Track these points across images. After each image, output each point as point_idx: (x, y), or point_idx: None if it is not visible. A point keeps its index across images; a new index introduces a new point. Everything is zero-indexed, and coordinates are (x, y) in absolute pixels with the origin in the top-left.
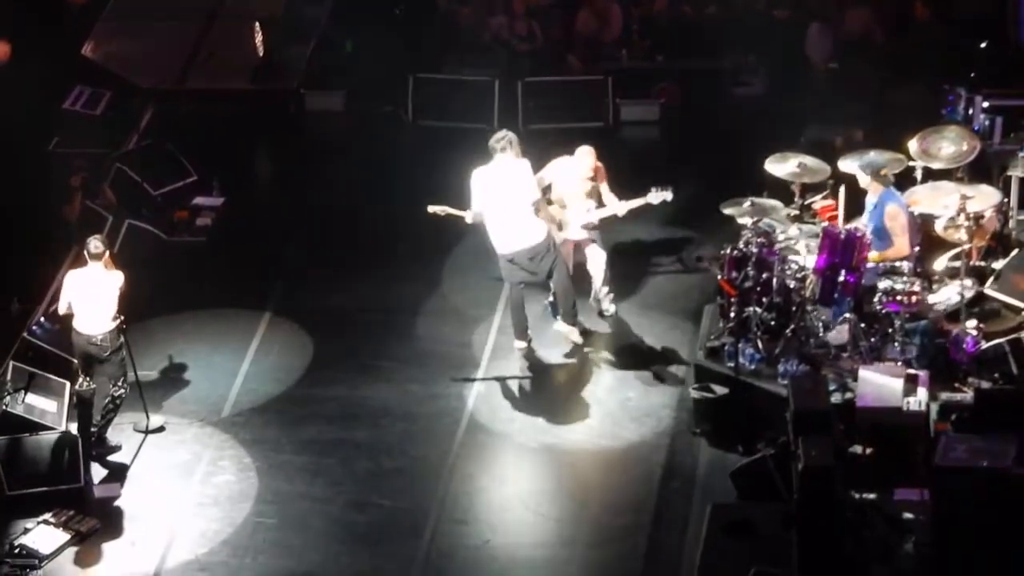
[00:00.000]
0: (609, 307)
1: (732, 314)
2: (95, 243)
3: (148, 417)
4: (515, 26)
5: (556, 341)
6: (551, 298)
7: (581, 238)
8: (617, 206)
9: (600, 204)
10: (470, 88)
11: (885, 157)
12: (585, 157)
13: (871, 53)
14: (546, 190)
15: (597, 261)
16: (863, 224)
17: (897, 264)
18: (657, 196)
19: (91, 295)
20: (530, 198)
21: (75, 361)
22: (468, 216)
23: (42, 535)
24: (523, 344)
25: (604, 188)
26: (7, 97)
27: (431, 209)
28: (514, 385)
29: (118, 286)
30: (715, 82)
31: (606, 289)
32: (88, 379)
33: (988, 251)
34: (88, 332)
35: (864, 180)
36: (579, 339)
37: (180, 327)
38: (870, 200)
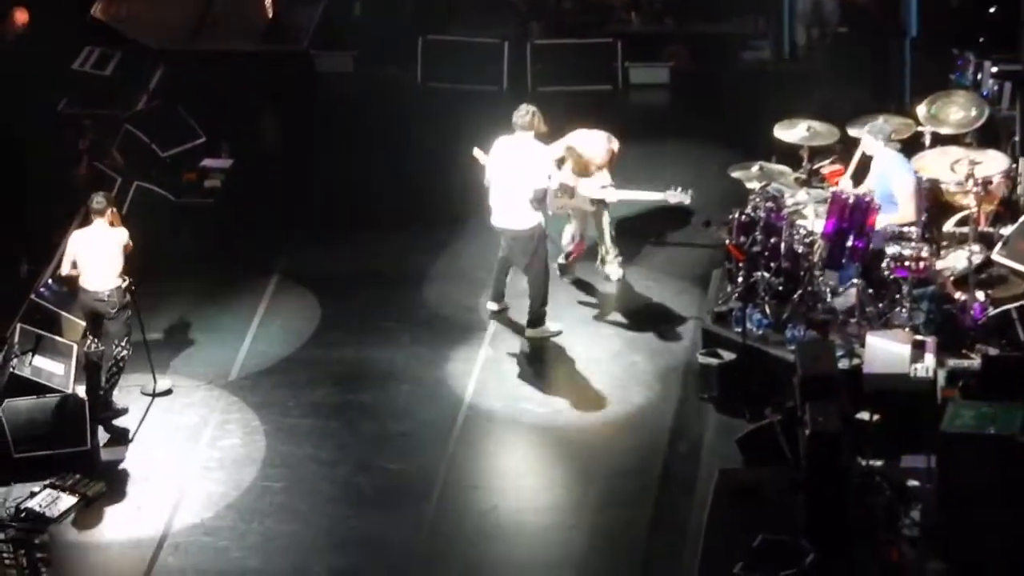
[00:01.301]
0: (617, 271)
1: (740, 279)
2: (98, 199)
3: (155, 380)
4: None
5: (566, 305)
6: (561, 259)
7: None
8: (633, 194)
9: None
10: (479, 50)
11: (894, 122)
12: (603, 143)
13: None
14: (561, 161)
15: (602, 225)
16: (870, 189)
17: (905, 230)
18: (675, 196)
19: (95, 252)
20: (534, 184)
21: (82, 324)
22: (485, 177)
23: (48, 498)
24: (495, 307)
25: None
26: (17, 57)
27: (476, 152)
28: (521, 349)
29: (122, 243)
30: (724, 46)
31: (613, 254)
32: (96, 340)
33: (996, 217)
34: (93, 289)
35: (870, 145)
36: (557, 328)
37: (188, 289)
38: (876, 166)
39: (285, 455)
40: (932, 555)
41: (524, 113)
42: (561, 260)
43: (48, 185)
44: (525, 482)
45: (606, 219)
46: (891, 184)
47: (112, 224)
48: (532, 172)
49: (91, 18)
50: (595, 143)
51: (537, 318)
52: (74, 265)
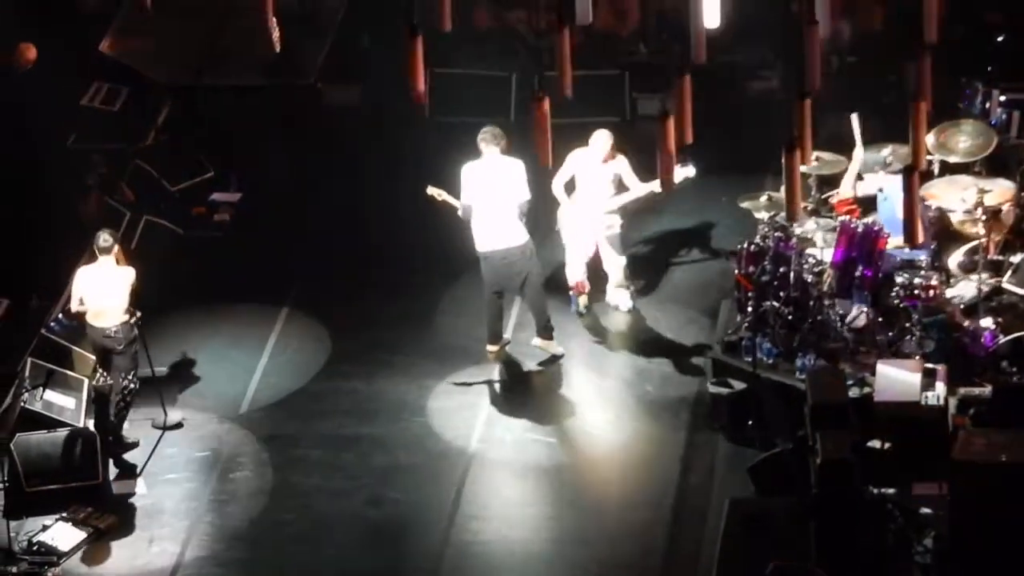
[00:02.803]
0: (628, 303)
1: (749, 308)
2: (104, 237)
3: (166, 413)
4: (533, 20)
5: (575, 335)
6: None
7: (603, 231)
8: (638, 187)
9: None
10: (487, 83)
11: (902, 152)
12: (598, 139)
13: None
14: (568, 184)
15: (613, 263)
16: (877, 217)
17: (915, 259)
18: (679, 173)
19: (102, 289)
20: (517, 199)
21: (93, 358)
22: (460, 210)
23: (60, 532)
24: (494, 348)
25: (626, 173)
26: (25, 93)
27: (430, 191)
28: (531, 379)
29: (129, 281)
30: (733, 76)
31: (623, 289)
32: (105, 375)
33: (1006, 245)
34: (101, 325)
35: (875, 179)
36: (560, 351)
37: (198, 322)
38: (879, 193)
39: (296, 487)
40: None
41: (485, 130)
42: (582, 309)
43: (58, 219)
44: (535, 513)
45: (619, 260)
46: (895, 207)
47: (119, 262)
48: (511, 187)
49: (99, 53)
50: (592, 147)
51: (546, 329)
52: (81, 302)
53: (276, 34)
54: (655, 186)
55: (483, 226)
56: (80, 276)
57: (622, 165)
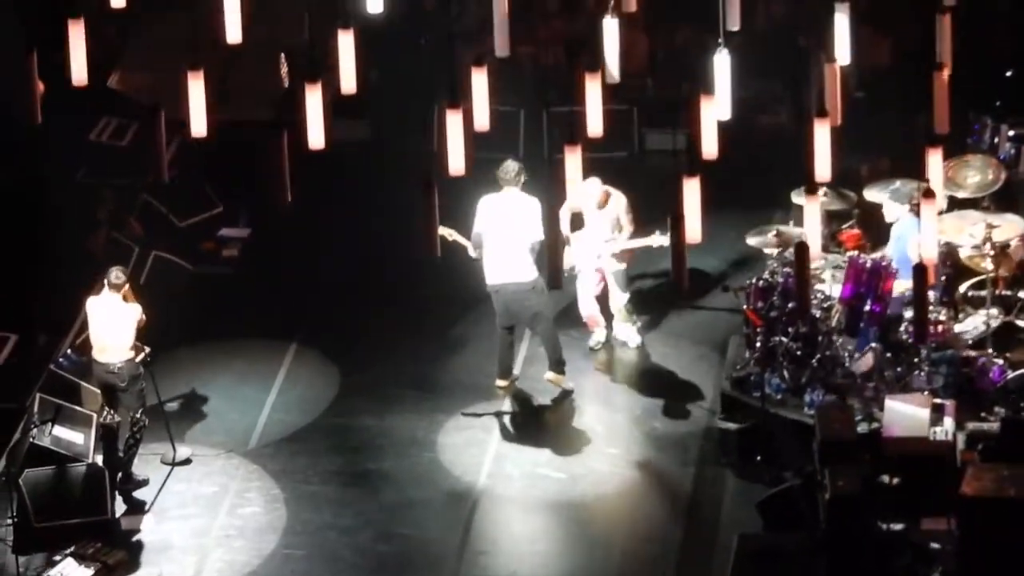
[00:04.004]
0: (635, 339)
1: (758, 344)
2: (116, 273)
3: (174, 448)
4: (542, 55)
5: (584, 370)
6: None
7: (607, 268)
8: (623, 242)
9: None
10: (495, 117)
11: (911, 186)
12: (588, 187)
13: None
14: (574, 219)
15: (615, 300)
16: (888, 254)
17: None
18: (658, 240)
19: (107, 325)
20: (531, 236)
21: (100, 393)
22: (471, 249)
23: (69, 567)
24: (504, 383)
25: (623, 213)
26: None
27: (441, 230)
28: (540, 415)
29: (135, 319)
30: (741, 111)
31: (628, 324)
32: (112, 411)
33: (1014, 280)
34: (105, 361)
35: (892, 210)
36: (570, 386)
37: (207, 358)
38: (895, 229)
39: (306, 523)
40: None
41: (510, 168)
42: (594, 345)
43: (66, 254)
44: (544, 548)
45: (621, 297)
46: (908, 247)
47: (126, 299)
48: (529, 224)
49: (108, 88)
50: (584, 193)
51: (558, 364)
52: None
53: (285, 70)
54: (652, 241)
55: (495, 260)
56: (88, 307)
57: (619, 206)
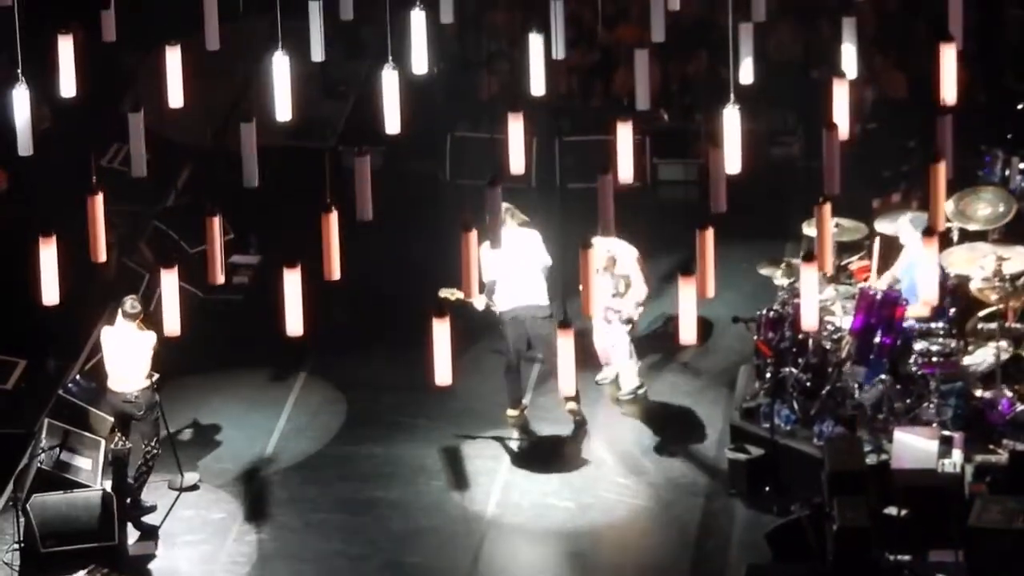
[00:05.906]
0: (635, 382)
1: (768, 375)
2: (131, 303)
3: (182, 474)
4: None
5: (594, 400)
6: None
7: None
8: (630, 307)
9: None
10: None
11: (923, 217)
12: (597, 249)
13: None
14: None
15: (619, 349)
16: (895, 277)
17: (933, 326)
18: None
19: (123, 354)
20: (541, 263)
21: (110, 419)
22: (478, 301)
23: None
24: (514, 412)
25: (633, 272)
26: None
27: (442, 293)
28: (549, 444)
29: (150, 346)
30: (753, 142)
31: (627, 370)
32: (124, 438)
33: None
34: (120, 390)
35: (909, 236)
36: (582, 416)
37: (217, 384)
38: (907, 255)
39: (314, 551)
40: None
41: (507, 212)
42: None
43: (75, 281)
44: None
45: (623, 342)
46: (917, 274)
47: (140, 327)
48: (533, 254)
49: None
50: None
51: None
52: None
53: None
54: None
55: (509, 287)
56: (103, 338)
57: (626, 262)
